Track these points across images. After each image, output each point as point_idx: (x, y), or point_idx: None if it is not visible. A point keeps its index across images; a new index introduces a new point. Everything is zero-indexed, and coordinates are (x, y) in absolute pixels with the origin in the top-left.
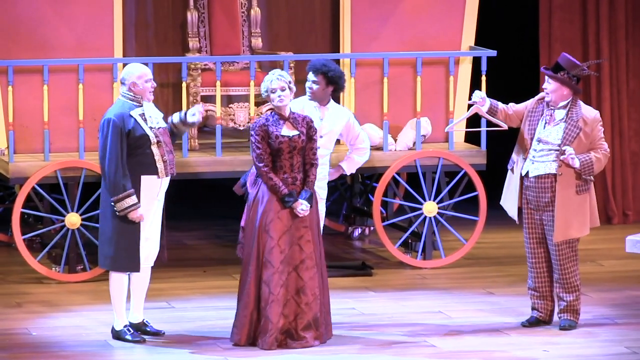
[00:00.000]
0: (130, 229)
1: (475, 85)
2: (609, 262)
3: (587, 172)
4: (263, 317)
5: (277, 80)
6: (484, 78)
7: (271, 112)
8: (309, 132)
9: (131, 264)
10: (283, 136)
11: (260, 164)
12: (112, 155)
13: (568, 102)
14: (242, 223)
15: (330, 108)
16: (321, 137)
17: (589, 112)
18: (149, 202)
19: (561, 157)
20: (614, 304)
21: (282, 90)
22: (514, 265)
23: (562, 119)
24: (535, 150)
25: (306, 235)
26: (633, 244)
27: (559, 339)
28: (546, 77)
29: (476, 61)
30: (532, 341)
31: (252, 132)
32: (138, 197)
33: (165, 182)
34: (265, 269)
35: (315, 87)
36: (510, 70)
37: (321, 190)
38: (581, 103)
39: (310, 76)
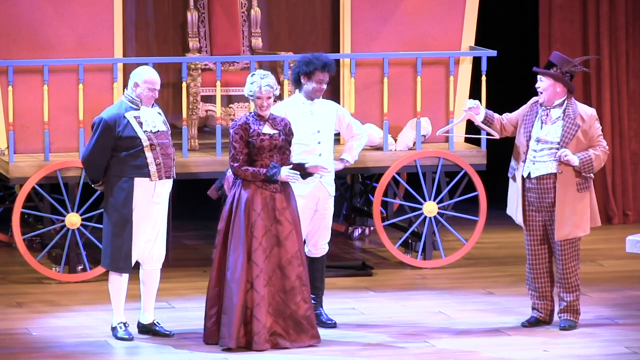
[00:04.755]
0: (122, 230)
1: (475, 85)
2: (609, 262)
3: (587, 169)
4: (253, 318)
5: (265, 89)
6: (484, 78)
7: (250, 113)
8: (287, 132)
9: (123, 265)
10: (264, 134)
11: (235, 164)
12: (91, 154)
13: (563, 101)
14: (220, 226)
15: (316, 102)
16: (319, 132)
17: (585, 110)
18: (145, 204)
19: (558, 158)
20: (614, 304)
21: (268, 99)
22: (514, 265)
23: (559, 117)
24: (535, 150)
25: (291, 234)
26: (633, 244)
27: (559, 339)
28: (538, 76)
29: (476, 61)
30: (532, 341)
31: (232, 131)
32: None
33: (161, 184)
34: (251, 269)
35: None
36: (510, 70)
37: (329, 186)
38: (576, 101)
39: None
